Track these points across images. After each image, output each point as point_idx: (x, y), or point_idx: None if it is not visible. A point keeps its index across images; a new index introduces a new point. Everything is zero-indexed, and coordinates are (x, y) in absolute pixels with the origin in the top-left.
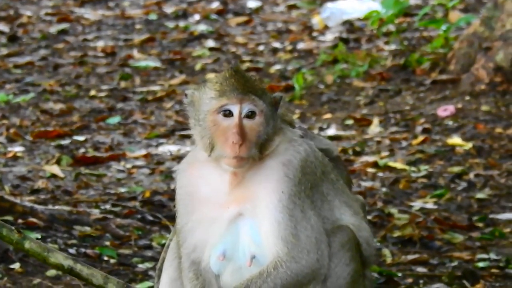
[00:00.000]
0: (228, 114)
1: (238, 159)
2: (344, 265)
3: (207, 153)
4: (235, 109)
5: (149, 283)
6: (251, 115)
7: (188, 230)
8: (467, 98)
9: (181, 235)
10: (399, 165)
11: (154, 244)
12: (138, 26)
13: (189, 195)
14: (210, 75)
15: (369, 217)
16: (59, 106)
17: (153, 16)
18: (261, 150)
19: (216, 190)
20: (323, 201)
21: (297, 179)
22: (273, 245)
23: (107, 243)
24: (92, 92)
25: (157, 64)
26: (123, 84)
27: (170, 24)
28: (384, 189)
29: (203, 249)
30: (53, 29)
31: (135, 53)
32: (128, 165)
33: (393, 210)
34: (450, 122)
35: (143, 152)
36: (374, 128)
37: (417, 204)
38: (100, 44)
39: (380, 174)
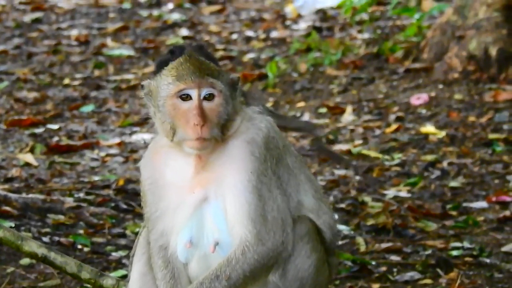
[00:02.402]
0: (186, 97)
1: (201, 140)
2: (305, 257)
3: (169, 139)
4: (194, 93)
5: (122, 271)
6: (209, 97)
7: (156, 218)
8: (440, 86)
9: (150, 223)
10: (372, 153)
11: (127, 232)
12: (111, 15)
13: (155, 183)
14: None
15: (342, 205)
16: (33, 95)
17: (126, 5)
18: (223, 131)
19: (181, 175)
20: (289, 174)
21: (263, 157)
22: (241, 226)
23: (81, 231)
24: (66, 81)
25: (131, 52)
26: (97, 72)
27: (144, 13)
28: (357, 178)
29: (169, 235)
30: (27, 17)
31: (109, 41)
32: (102, 153)
33: (367, 198)
34: (423, 111)
35: (117, 140)
36: (348, 116)
37: (390, 192)
38: (74, 32)
39: (354, 162)
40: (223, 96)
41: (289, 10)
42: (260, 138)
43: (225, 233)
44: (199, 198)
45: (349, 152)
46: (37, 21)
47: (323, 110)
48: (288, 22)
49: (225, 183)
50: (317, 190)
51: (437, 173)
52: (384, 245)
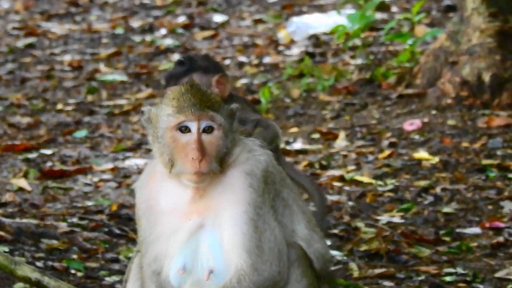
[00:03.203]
0: (185, 130)
1: (199, 174)
2: (295, 282)
3: (167, 170)
4: (193, 126)
5: None
6: (208, 130)
7: (150, 242)
8: (434, 112)
9: (143, 247)
10: (365, 179)
11: (121, 257)
12: (104, 40)
13: (150, 208)
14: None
15: (335, 231)
16: (26, 120)
17: (119, 30)
18: (221, 163)
19: (177, 202)
20: (284, 207)
21: (261, 190)
22: (236, 256)
23: (74, 256)
24: (59, 106)
25: (124, 78)
26: (90, 97)
27: (137, 38)
28: (350, 203)
29: (163, 261)
30: (20, 43)
31: (102, 67)
32: (95, 179)
33: (360, 224)
34: (417, 136)
35: (110, 165)
36: (340, 142)
37: (383, 218)
38: (67, 58)
39: (347, 188)
40: (222, 129)
41: (282, 35)
42: (259, 171)
43: (220, 261)
44: (195, 225)
45: (342, 178)
46: (30, 46)
47: (316, 135)
48: (281, 48)
49: (222, 213)
50: (310, 220)
51: (430, 198)
52: (377, 271)
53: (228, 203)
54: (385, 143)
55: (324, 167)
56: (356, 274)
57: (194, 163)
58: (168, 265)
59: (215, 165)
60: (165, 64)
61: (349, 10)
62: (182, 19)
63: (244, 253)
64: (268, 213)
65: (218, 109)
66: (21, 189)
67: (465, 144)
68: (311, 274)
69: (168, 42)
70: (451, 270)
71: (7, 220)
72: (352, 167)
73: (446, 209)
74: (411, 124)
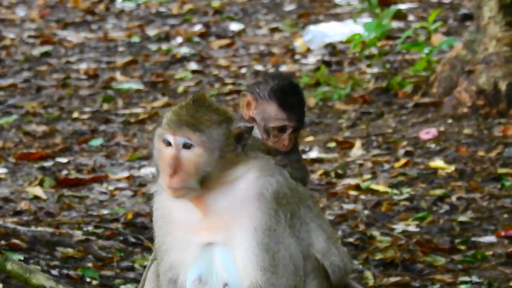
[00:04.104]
0: (167, 143)
1: (172, 189)
2: None
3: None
4: (172, 140)
5: None
6: (188, 146)
7: (164, 251)
8: (449, 121)
9: (159, 254)
10: (381, 187)
11: (136, 265)
12: (120, 49)
13: (163, 217)
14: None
15: (350, 240)
16: (41, 128)
17: (135, 39)
18: (202, 182)
19: (187, 215)
20: (301, 224)
21: (272, 212)
22: (251, 274)
23: (90, 264)
24: (75, 114)
25: (140, 86)
26: (105, 106)
27: (153, 47)
28: (366, 212)
29: (178, 269)
30: (36, 51)
31: (118, 75)
32: (111, 187)
33: (375, 233)
34: (432, 145)
35: (126, 174)
36: (356, 151)
37: (399, 227)
38: (83, 66)
39: (362, 196)
40: (204, 148)
41: (298, 44)
42: (269, 194)
43: (234, 276)
44: (206, 241)
45: (357, 186)
46: (46, 54)
47: (332, 144)
48: (297, 57)
49: (232, 235)
50: (329, 237)
51: (445, 207)
52: (392, 280)
53: (237, 228)
54: (401, 152)
55: (340, 176)
56: (371, 282)
57: (166, 177)
58: (184, 275)
59: (192, 183)
60: (181, 73)
61: (366, 19)
62: (198, 28)
63: (259, 271)
64: (283, 232)
65: (205, 127)
66: (36, 198)
67: (481, 153)
68: (327, 286)
69: (184, 50)
70: (466, 278)
71: (22, 229)
72: (368, 176)
73: (462, 218)
74: (427, 133)
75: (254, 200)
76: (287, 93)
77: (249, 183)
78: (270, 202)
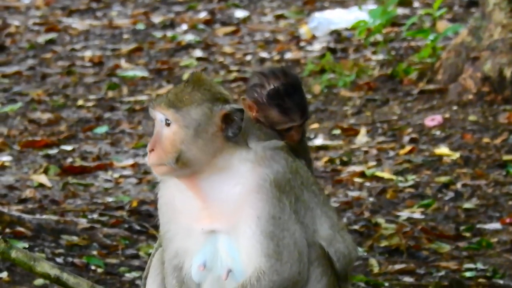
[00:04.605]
0: (154, 120)
1: (152, 166)
2: (315, 281)
3: None
4: (154, 116)
5: None
6: (168, 123)
7: (168, 238)
8: (455, 108)
9: (164, 242)
10: (386, 175)
11: (141, 253)
12: (125, 36)
13: (166, 204)
14: None
15: (356, 227)
16: (46, 116)
17: (140, 26)
18: (182, 162)
19: (189, 203)
20: (306, 209)
21: (276, 200)
22: (255, 261)
23: (94, 252)
24: (80, 102)
25: (145, 73)
26: (110, 93)
27: (158, 34)
28: (371, 199)
29: (183, 257)
30: (41, 39)
31: (123, 62)
32: (116, 175)
33: (380, 220)
34: (438, 132)
35: (131, 161)
36: (361, 138)
37: (404, 214)
38: (88, 54)
39: (367, 184)
40: (178, 125)
41: (304, 31)
42: (268, 184)
43: (238, 262)
44: (209, 229)
45: (362, 174)
46: (51, 42)
47: (337, 131)
48: (302, 44)
49: (234, 224)
50: (335, 224)
51: (451, 194)
52: (397, 267)
53: (240, 217)
54: (406, 139)
55: (345, 163)
56: (376, 270)
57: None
58: (190, 262)
59: (168, 161)
60: (186, 60)
61: (371, 6)
62: (203, 15)
63: (263, 258)
64: (288, 219)
65: (183, 105)
66: (41, 185)
67: (486, 140)
68: (331, 273)
69: (189, 38)
70: (471, 265)
71: (27, 217)
72: (373, 163)
73: (467, 205)
74: (432, 120)
75: (253, 192)
76: (285, 95)
77: (246, 174)
78: (271, 191)
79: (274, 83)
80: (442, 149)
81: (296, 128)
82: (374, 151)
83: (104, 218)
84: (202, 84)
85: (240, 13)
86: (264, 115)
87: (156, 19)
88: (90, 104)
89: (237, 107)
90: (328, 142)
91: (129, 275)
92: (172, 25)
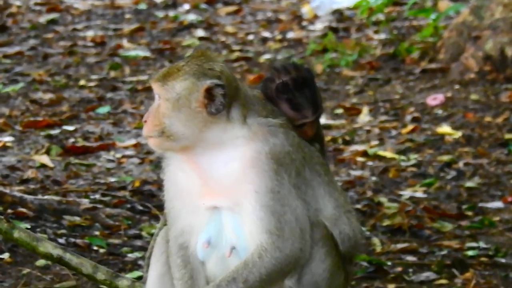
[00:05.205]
0: None
1: (145, 137)
2: (319, 261)
3: None
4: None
5: (138, 273)
6: (160, 96)
7: (173, 215)
8: (457, 87)
9: (169, 220)
10: (388, 154)
11: (143, 233)
12: (127, 16)
13: (169, 181)
14: None
15: (358, 206)
16: (48, 96)
17: (142, 6)
18: (163, 133)
19: (190, 180)
20: (307, 186)
21: (272, 173)
22: (257, 238)
23: (97, 232)
24: (82, 82)
25: (147, 53)
26: (112, 73)
27: (160, 14)
28: (373, 178)
29: (189, 234)
30: (43, 19)
31: (125, 42)
32: (118, 155)
33: (383, 199)
34: (440, 111)
35: (133, 141)
36: (364, 117)
37: (406, 193)
38: (90, 34)
39: (370, 163)
40: (163, 98)
41: (306, 11)
42: (264, 156)
43: (242, 239)
44: (211, 205)
45: (365, 153)
46: (52, 22)
47: (340, 111)
48: (304, 23)
49: (234, 200)
50: (340, 205)
51: (453, 173)
52: (400, 246)
53: (239, 193)
54: (408, 118)
55: (347, 142)
56: (379, 249)
57: None
58: (195, 239)
59: (154, 133)
60: (188, 40)
61: None
62: None
63: (265, 235)
64: (288, 194)
65: (170, 79)
66: (43, 166)
67: (488, 118)
68: (336, 254)
69: (191, 17)
70: (474, 244)
71: (29, 197)
72: (375, 142)
73: (469, 184)
74: (434, 99)
75: (249, 166)
76: (295, 90)
77: (241, 149)
78: (267, 164)
79: (284, 77)
80: (444, 128)
81: (310, 124)
82: (376, 130)
83: (106, 198)
84: (199, 59)
85: None
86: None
87: None
88: (92, 84)
89: (219, 83)
90: (331, 122)
91: (131, 255)
92: (174, 4)
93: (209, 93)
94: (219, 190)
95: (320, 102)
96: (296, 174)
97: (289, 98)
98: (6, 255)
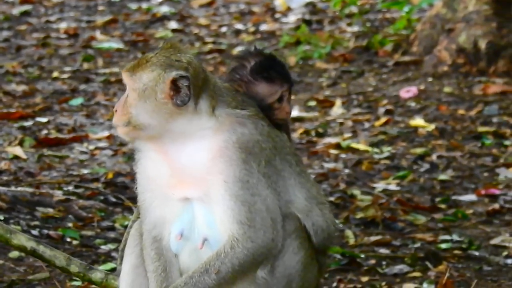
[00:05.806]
0: None
1: (115, 126)
2: (292, 253)
3: None
4: None
5: (111, 265)
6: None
7: (146, 207)
8: (430, 79)
9: (142, 212)
10: (361, 146)
11: (116, 225)
12: (100, 8)
13: (141, 173)
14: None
15: (331, 199)
16: (21, 88)
17: None
18: (130, 123)
19: (160, 171)
20: (277, 175)
21: (240, 161)
22: (228, 228)
23: (70, 224)
24: (55, 74)
25: (120, 45)
26: (86, 65)
27: (133, 6)
28: (346, 171)
29: (162, 227)
30: (16, 10)
31: (98, 34)
32: (91, 147)
33: (356, 192)
34: (413, 104)
35: (106, 133)
36: (337, 110)
37: (379, 186)
38: (63, 25)
39: (343, 155)
40: (131, 89)
41: (279, 3)
42: (231, 145)
43: (214, 230)
44: (182, 196)
45: (338, 145)
46: (26, 14)
47: (313, 103)
48: (277, 15)
49: (204, 190)
50: (312, 196)
51: (426, 166)
52: (373, 238)
53: (208, 182)
54: (381, 110)
55: (320, 135)
56: (352, 241)
57: None
58: (168, 231)
59: (122, 123)
60: (162, 32)
61: None
62: None
63: (236, 225)
64: (257, 183)
65: (139, 69)
66: (16, 157)
67: (461, 111)
68: (309, 246)
69: (165, 9)
70: (447, 237)
71: (2, 189)
72: (349, 135)
73: (442, 177)
74: (408, 92)
75: (217, 156)
76: (268, 67)
77: (208, 140)
78: (234, 153)
79: (253, 60)
80: (418, 121)
81: (287, 97)
82: (349, 123)
83: (79, 190)
84: (168, 51)
85: None
86: (253, 93)
87: None
88: (65, 76)
89: (185, 74)
90: (304, 114)
91: (105, 247)
92: None
93: (175, 85)
94: (189, 181)
95: (289, 72)
96: (266, 163)
97: (265, 75)
98: None
